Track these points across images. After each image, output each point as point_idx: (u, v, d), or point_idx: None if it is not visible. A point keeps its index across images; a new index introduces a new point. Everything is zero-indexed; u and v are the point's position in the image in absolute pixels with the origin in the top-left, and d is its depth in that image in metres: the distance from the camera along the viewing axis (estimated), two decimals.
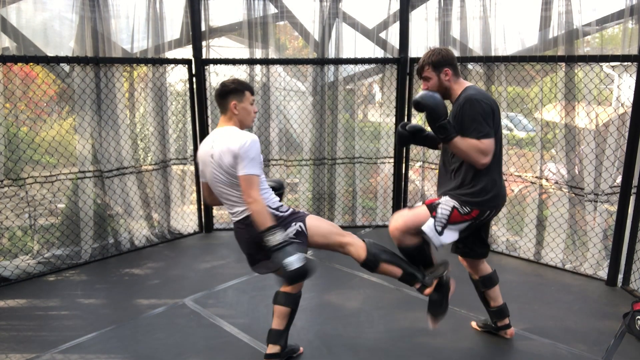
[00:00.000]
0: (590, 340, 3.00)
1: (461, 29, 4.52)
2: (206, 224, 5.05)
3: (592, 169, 3.89)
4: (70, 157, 4.17)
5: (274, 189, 2.71)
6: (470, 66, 4.45)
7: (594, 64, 3.75)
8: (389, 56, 4.90)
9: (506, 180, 4.30)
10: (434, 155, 4.89)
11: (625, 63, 3.58)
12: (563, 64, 3.89)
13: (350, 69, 4.97)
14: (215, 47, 4.97)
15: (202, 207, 5.01)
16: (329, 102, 4.96)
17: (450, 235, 2.60)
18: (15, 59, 3.60)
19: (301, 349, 2.87)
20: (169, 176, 4.79)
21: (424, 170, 5.03)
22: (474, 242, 2.82)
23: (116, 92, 4.26)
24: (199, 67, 4.68)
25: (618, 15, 3.79)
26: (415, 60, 4.77)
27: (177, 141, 4.89)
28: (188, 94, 4.77)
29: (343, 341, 3.01)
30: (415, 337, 3.07)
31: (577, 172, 4.06)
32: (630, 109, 3.51)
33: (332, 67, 4.90)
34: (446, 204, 2.59)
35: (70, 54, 4.04)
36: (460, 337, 3.06)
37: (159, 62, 4.48)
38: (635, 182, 3.60)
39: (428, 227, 2.58)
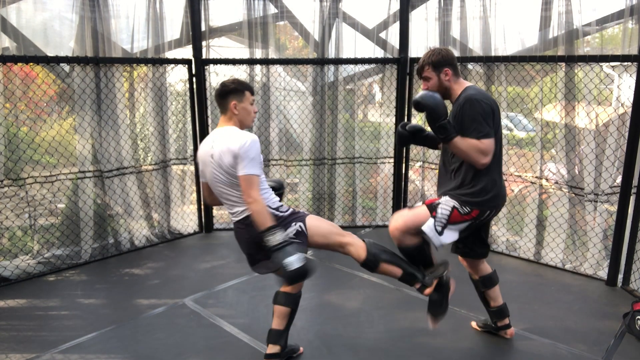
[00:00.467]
0: (590, 340, 3.00)
1: (461, 29, 4.52)
2: (206, 224, 5.05)
3: (592, 169, 3.89)
4: (70, 157, 4.17)
5: (274, 189, 2.71)
6: (470, 66, 4.45)
7: (594, 64, 3.75)
8: (389, 56, 4.91)
9: (506, 180, 4.30)
10: (434, 155, 4.89)
11: (625, 63, 3.58)
12: (563, 64, 3.89)
13: (350, 69, 4.97)
14: (215, 47, 4.97)
15: (202, 207, 5.01)
16: (329, 102, 4.96)
17: (450, 235, 2.61)
18: (15, 59, 3.60)
19: (301, 349, 2.87)
20: (169, 176, 4.79)
21: (424, 170, 5.03)
22: (474, 242, 2.82)
23: (116, 92, 4.26)
24: (199, 67, 4.68)
25: (618, 15, 3.78)
26: (415, 60, 4.77)
27: (177, 141, 4.89)
28: (188, 94, 4.77)
29: (343, 341, 3.01)
30: (415, 337, 3.07)
31: (577, 172, 4.06)
32: (630, 109, 3.51)
33: (332, 67, 4.90)
34: (446, 204, 2.59)
35: (70, 54, 4.04)
36: (460, 337, 3.06)
37: (159, 62, 4.48)
38: (635, 182, 3.60)
39: (428, 227, 2.58)
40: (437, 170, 4.92)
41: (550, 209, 4.20)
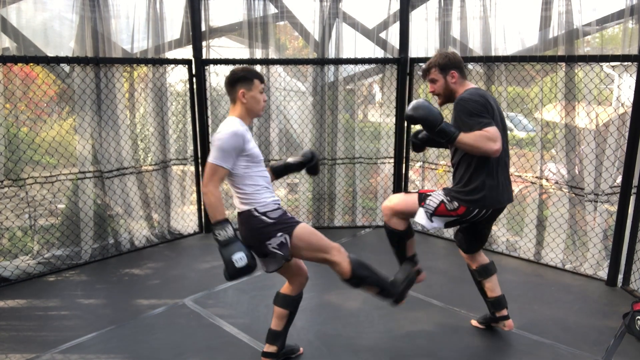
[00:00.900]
0: (590, 340, 3.00)
1: (461, 29, 4.52)
2: (206, 224, 5.05)
3: (592, 169, 3.89)
4: (71, 158, 4.17)
5: (302, 163, 2.74)
6: (470, 66, 4.45)
7: (594, 64, 3.75)
8: (389, 56, 4.91)
9: None
10: (434, 155, 4.90)
11: (626, 63, 3.58)
12: (563, 64, 3.89)
13: (350, 69, 4.97)
14: (215, 47, 4.97)
15: (202, 207, 5.01)
16: (329, 102, 4.96)
17: (435, 224, 2.75)
18: (15, 59, 3.60)
19: (301, 349, 2.87)
20: (169, 176, 4.79)
21: (424, 170, 5.03)
22: (470, 238, 2.91)
23: (116, 93, 4.26)
24: (199, 67, 4.68)
25: (618, 15, 3.78)
26: (415, 60, 4.77)
27: (177, 141, 4.89)
28: (188, 94, 4.77)
29: (343, 341, 3.01)
30: (415, 337, 3.07)
31: (577, 172, 4.06)
32: (631, 109, 3.51)
33: (332, 67, 4.90)
34: (436, 196, 2.71)
35: (70, 54, 4.04)
36: (460, 337, 3.06)
37: (159, 62, 4.48)
38: (635, 182, 3.60)
39: (420, 216, 2.74)
40: (437, 170, 4.94)
41: (550, 209, 4.20)
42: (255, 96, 2.44)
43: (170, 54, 4.69)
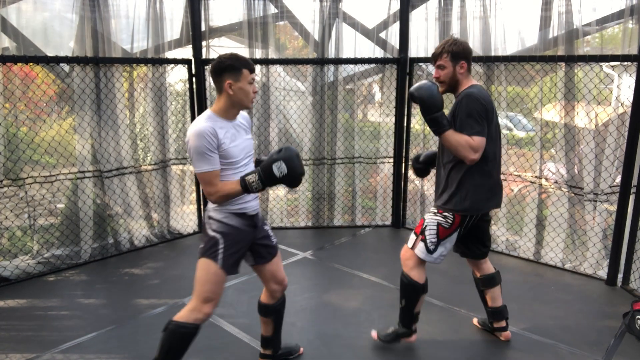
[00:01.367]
0: (590, 340, 3.01)
1: (461, 29, 4.52)
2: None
3: (591, 169, 3.89)
4: (70, 157, 4.16)
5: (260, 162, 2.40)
6: None
7: (593, 64, 3.75)
8: (389, 56, 4.91)
9: (505, 179, 4.31)
10: None
11: (625, 63, 3.58)
12: (563, 64, 3.89)
13: (350, 69, 4.97)
14: (215, 47, 4.96)
15: (202, 207, 5.00)
16: (328, 102, 4.96)
17: (445, 249, 2.67)
18: (15, 59, 3.59)
19: (301, 349, 2.87)
20: (168, 176, 4.79)
21: None
22: (472, 243, 2.84)
23: (116, 92, 4.26)
24: (198, 67, 4.68)
25: (618, 15, 3.79)
26: (415, 60, 4.77)
27: (177, 141, 4.89)
28: (188, 94, 4.77)
29: (343, 341, 3.01)
30: (415, 337, 3.06)
31: (576, 171, 4.06)
32: (630, 109, 3.51)
33: (332, 67, 4.90)
34: (431, 224, 2.65)
35: (70, 54, 4.03)
36: (460, 337, 3.06)
37: (158, 62, 4.48)
38: (634, 182, 3.60)
39: (420, 251, 2.67)
40: (435, 170, 4.92)
41: (549, 208, 4.20)
42: (244, 87, 2.18)
43: (170, 54, 4.69)
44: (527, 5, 4.18)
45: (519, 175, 4.36)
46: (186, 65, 4.66)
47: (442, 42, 2.61)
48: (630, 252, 3.64)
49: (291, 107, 5.04)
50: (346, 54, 4.87)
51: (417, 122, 4.99)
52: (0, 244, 3.93)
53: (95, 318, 3.28)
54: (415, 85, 2.51)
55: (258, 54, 4.85)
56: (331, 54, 4.88)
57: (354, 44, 4.89)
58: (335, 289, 3.74)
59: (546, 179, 4.23)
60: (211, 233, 2.26)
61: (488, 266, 2.92)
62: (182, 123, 4.90)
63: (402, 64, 4.79)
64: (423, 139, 4.92)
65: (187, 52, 4.75)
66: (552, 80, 4.07)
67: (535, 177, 4.24)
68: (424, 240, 2.66)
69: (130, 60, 4.36)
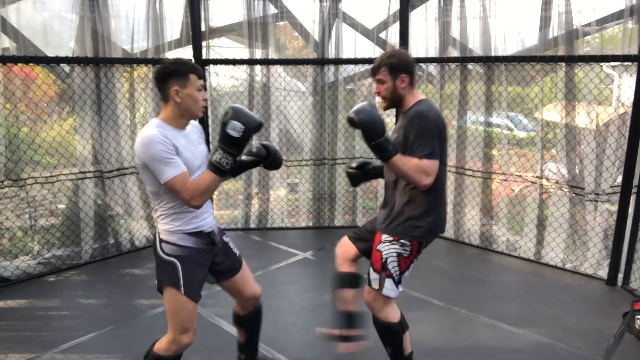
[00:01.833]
0: (590, 340, 3.00)
1: (461, 29, 4.51)
2: None
3: (592, 169, 3.88)
4: (71, 158, 4.17)
5: (256, 161, 2.19)
6: (470, 66, 4.45)
7: (594, 64, 3.75)
8: None
9: (506, 180, 4.31)
10: None
11: (626, 63, 3.58)
12: (563, 64, 3.89)
13: (350, 69, 4.97)
14: (215, 48, 4.97)
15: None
16: (329, 102, 4.96)
17: (405, 279, 2.41)
18: (15, 60, 3.60)
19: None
20: None
21: None
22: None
23: (116, 93, 4.27)
24: None
25: (618, 15, 3.78)
26: (415, 60, 4.76)
27: None
28: None
29: None
30: (415, 337, 3.05)
31: (577, 171, 4.06)
32: (631, 109, 3.51)
33: (332, 67, 4.91)
34: (390, 256, 2.35)
35: (70, 54, 4.04)
36: (460, 337, 3.06)
37: (159, 62, 4.46)
38: (635, 182, 3.60)
39: (389, 289, 2.38)
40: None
41: (550, 208, 4.20)
42: (192, 94, 2.01)
43: (170, 54, 4.69)
44: (527, 5, 4.18)
45: (520, 176, 4.36)
46: None
47: (381, 54, 2.38)
48: (630, 252, 3.63)
49: (291, 107, 5.04)
50: (346, 54, 4.87)
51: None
52: (1, 245, 3.94)
53: (96, 318, 3.28)
54: (354, 109, 2.24)
55: (258, 54, 4.85)
56: (331, 54, 4.88)
57: (354, 44, 4.90)
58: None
59: (547, 179, 4.23)
60: (166, 258, 2.09)
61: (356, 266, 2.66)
62: None
63: None
64: None
65: (187, 52, 4.76)
66: (553, 81, 4.07)
67: (536, 177, 4.24)
68: (390, 275, 2.34)
69: (130, 61, 4.36)
